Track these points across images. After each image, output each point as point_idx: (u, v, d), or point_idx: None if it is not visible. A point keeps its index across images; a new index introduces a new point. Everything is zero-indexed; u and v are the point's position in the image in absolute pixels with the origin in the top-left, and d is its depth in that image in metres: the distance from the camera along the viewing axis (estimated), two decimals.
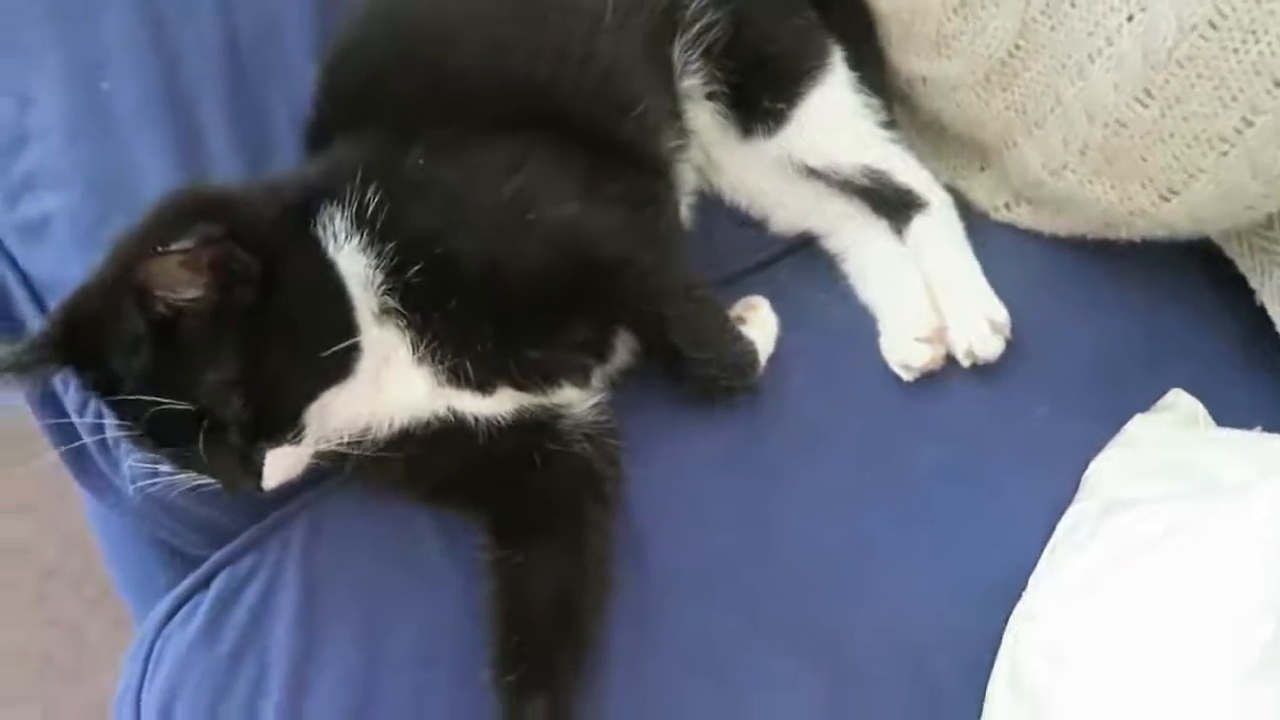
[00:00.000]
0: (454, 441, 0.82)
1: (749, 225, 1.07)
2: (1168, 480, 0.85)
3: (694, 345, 0.86)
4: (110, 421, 0.84)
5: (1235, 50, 0.80)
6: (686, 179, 0.97)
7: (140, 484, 0.77)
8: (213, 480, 0.74)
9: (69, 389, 0.90)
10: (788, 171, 1.03)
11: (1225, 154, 0.85)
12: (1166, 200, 0.96)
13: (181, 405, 0.68)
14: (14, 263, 0.91)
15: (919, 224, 1.01)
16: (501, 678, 0.77)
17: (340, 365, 0.72)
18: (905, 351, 0.96)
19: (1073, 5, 0.93)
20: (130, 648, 0.85)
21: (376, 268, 0.75)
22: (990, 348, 0.96)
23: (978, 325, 0.96)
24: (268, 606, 0.83)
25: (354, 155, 0.80)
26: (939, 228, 1.01)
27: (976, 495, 0.90)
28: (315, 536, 0.85)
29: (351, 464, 0.82)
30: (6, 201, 0.92)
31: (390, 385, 0.79)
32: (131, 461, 0.79)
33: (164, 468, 0.75)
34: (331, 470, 0.86)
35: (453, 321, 0.77)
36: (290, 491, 0.86)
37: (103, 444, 0.89)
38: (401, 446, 0.82)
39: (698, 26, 0.94)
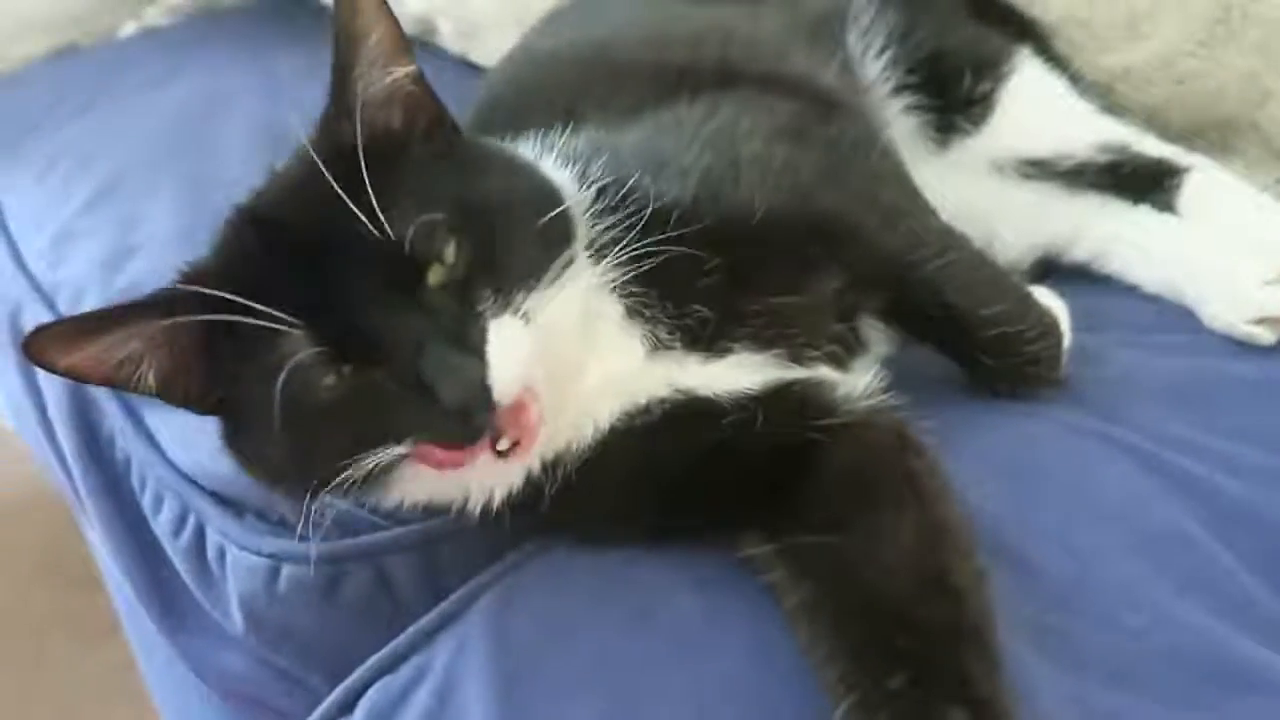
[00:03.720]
0: (690, 438, 0.57)
1: None
2: None
3: (975, 300, 0.64)
4: (217, 530, 0.62)
5: None
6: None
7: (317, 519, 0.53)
8: (417, 387, 0.49)
9: (162, 506, 0.67)
10: (1006, 174, 0.86)
11: None
12: None
13: (376, 231, 0.49)
14: None
15: (1195, 184, 0.81)
16: (874, 694, 0.46)
17: (560, 238, 0.55)
18: (1258, 304, 0.71)
19: None
20: None
21: (578, 187, 0.58)
22: None
23: None
24: (447, 711, 0.52)
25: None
26: (1222, 180, 0.81)
27: None
28: (506, 617, 0.56)
29: (548, 506, 0.57)
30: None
31: (598, 351, 0.56)
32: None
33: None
34: (518, 537, 0.60)
35: (670, 267, 0.57)
36: (463, 574, 0.60)
37: (204, 568, 0.64)
38: (617, 458, 0.57)
39: (867, 18, 0.84)
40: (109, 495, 0.72)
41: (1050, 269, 0.86)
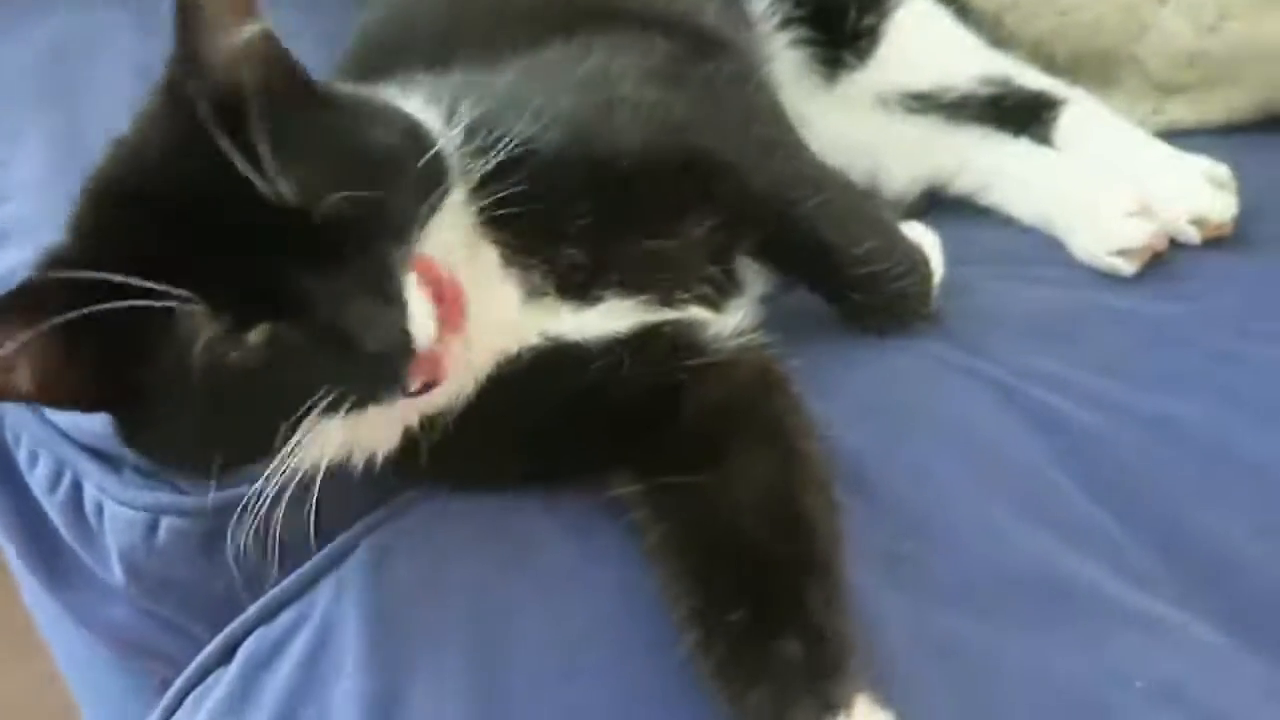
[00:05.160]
0: (559, 384, 0.58)
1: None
2: None
3: (847, 238, 0.66)
4: (94, 485, 0.61)
5: None
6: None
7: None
8: (344, 341, 0.48)
9: (38, 462, 0.66)
10: (891, 108, 0.87)
11: None
12: None
13: (268, 191, 0.47)
14: None
15: (1070, 116, 0.83)
16: (717, 628, 0.48)
17: (436, 178, 0.53)
18: (1118, 235, 0.74)
19: None
20: None
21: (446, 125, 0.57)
22: (1224, 206, 0.75)
23: (1198, 187, 0.75)
24: (324, 656, 0.54)
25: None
26: (1095, 113, 0.84)
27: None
28: (383, 563, 0.57)
29: (426, 456, 0.57)
30: None
31: (480, 299, 0.56)
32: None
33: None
34: (397, 486, 0.61)
35: (541, 211, 0.57)
36: (343, 523, 0.60)
37: (81, 523, 0.64)
38: (489, 408, 0.57)
39: None
40: None
41: (936, 200, 0.87)
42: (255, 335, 0.48)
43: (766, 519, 0.52)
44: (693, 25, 0.74)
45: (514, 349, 0.58)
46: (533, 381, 0.58)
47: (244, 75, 0.51)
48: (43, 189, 0.79)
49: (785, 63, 0.86)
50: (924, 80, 0.85)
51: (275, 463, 0.49)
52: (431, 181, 0.53)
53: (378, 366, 0.49)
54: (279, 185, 0.47)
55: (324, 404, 0.48)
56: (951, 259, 0.75)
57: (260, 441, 0.49)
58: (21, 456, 0.68)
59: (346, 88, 0.58)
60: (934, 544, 0.55)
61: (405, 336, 0.48)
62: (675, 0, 0.77)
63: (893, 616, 0.51)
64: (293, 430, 0.48)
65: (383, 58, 0.72)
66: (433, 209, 0.53)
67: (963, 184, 0.86)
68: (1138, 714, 0.49)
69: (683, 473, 0.55)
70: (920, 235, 0.74)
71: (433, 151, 0.53)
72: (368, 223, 0.49)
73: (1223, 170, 0.76)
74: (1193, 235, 0.75)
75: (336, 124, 0.54)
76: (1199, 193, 0.75)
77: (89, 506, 0.65)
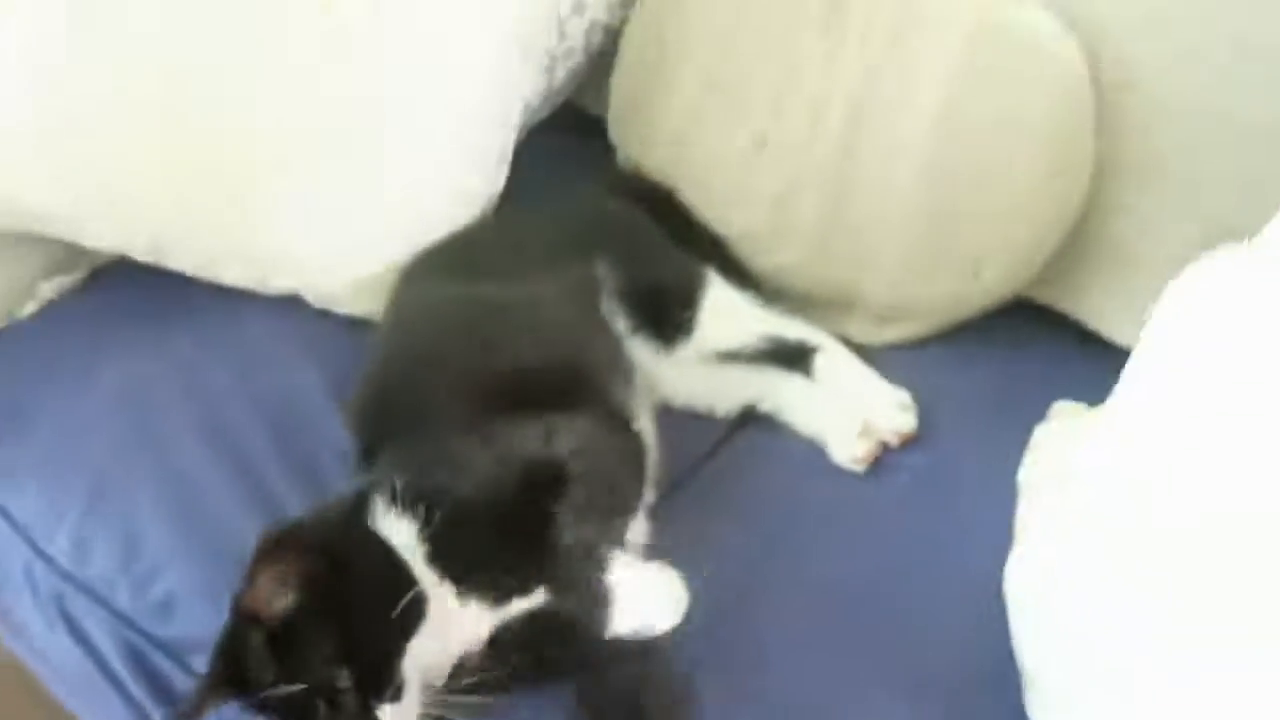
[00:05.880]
0: (525, 632, 0.99)
1: (700, 419, 1.34)
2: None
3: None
4: None
5: None
6: (640, 406, 1.24)
7: None
8: None
9: None
10: (711, 361, 1.33)
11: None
12: (977, 277, 1.30)
13: (301, 686, 0.82)
14: (152, 639, 1.13)
15: (820, 361, 1.31)
16: None
17: (411, 616, 0.86)
18: (849, 449, 1.22)
19: (848, 158, 1.30)
20: None
21: (415, 530, 0.91)
22: (906, 422, 1.24)
23: (891, 411, 1.25)
24: None
25: (386, 459, 1.03)
26: (835, 356, 1.31)
27: (961, 519, 1.15)
28: None
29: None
30: (136, 592, 1.14)
31: (455, 623, 0.91)
32: None
33: None
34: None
35: (477, 554, 0.92)
36: None
37: None
38: (491, 661, 1.00)
39: (609, 284, 1.28)
40: None
41: (753, 417, 1.34)
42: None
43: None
44: (576, 382, 1.12)
45: (492, 629, 1.00)
46: (500, 640, 0.98)
47: (284, 597, 0.83)
48: (167, 528, 1.19)
49: (639, 348, 1.31)
50: (728, 344, 1.31)
51: None
52: (412, 616, 0.86)
53: None
54: (298, 682, 0.81)
55: None
56: (768, 462, 1.22)
57: None
58: None
59: (356, 540, 0.89)
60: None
61: None
62: (562, 351, 1.16)
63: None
64: None
65: (376, 422, 1.11)
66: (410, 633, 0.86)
67: (765, 407, 1.32)
68: None
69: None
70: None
71: (411, 594, 0.86)
72: (363, 687, 0.82)
73: (906, 396, 1.25)
74: (896, 442, 1.24)
75: (342, 612, 0.84)
76: (895, 415, 1.24)
77: None
